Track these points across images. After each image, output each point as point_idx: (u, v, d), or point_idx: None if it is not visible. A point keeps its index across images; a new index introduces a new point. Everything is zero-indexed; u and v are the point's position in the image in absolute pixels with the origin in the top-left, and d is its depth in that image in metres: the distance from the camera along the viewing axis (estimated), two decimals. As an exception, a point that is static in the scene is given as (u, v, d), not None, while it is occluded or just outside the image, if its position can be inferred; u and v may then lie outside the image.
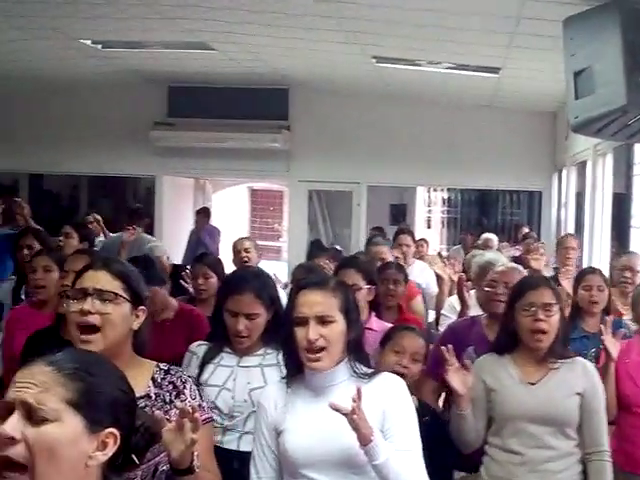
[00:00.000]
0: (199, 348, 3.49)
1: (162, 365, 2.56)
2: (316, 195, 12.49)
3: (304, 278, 3.40)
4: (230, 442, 3.26)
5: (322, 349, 2.62)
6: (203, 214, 11.68)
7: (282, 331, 2.85)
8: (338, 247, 9.39)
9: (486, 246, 8.92)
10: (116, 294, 2.44)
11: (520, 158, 10.57)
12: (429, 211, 16.20)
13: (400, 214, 14.63)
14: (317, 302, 2.66)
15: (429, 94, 10.21)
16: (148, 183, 12.30)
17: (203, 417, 2.42)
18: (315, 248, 8.17)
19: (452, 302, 5.67)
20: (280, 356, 3.40)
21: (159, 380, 2.49)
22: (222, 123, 10.79)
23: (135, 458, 1.72)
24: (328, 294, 2.68)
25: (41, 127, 11.19)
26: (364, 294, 4.29)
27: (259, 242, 7.59)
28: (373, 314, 4.37)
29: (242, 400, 3.29)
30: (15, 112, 11.20)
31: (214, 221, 12.17)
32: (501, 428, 3.41)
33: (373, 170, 10.92)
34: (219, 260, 5.47)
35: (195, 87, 10.77)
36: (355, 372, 2.70)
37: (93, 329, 2.40)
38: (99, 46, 8.54)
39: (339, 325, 2.66)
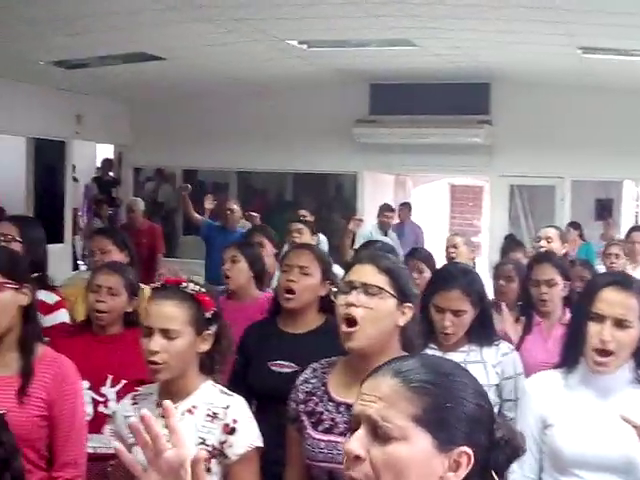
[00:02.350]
0: None
1: None
2: (518, 190, 12.28)
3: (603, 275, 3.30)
4: None
5: (611, 353, 2.53)
6: (405, 209, 11.75)
7: (572, 322, 2.80)
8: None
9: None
10: (381, 288, 2.43)
11: None
12: (638, 206, 15.54)
13: (606, 209, 14.12)
14: (618, 303, 2.55)
15: (637, 84, 9.82)
16: (350, 179, 12.52)
17: None
18: (509, 243, 8.04)
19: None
20: (484, 353, 3.44)
21: None
22: (423, 119, 10.82)
23: (495, 475, 1.57)
24: (632, 297, 2.56)
25: (248, 126, 11.65)
26: (559, 290, 4.22)
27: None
28: (567, 310, 4.27)
29: None
30: (223, 112, 11.73)
31: (415, 216, 12.22)
32: None
33: (577, 164, 10.61)
34: (431, 254, 5.43)
35: (396, 84, 10.85)
36: (637, 379, 2.60)
37: (355, 322, 2.42)
38: (304, 46, 8.79)
39: (635, 331, 2.55)
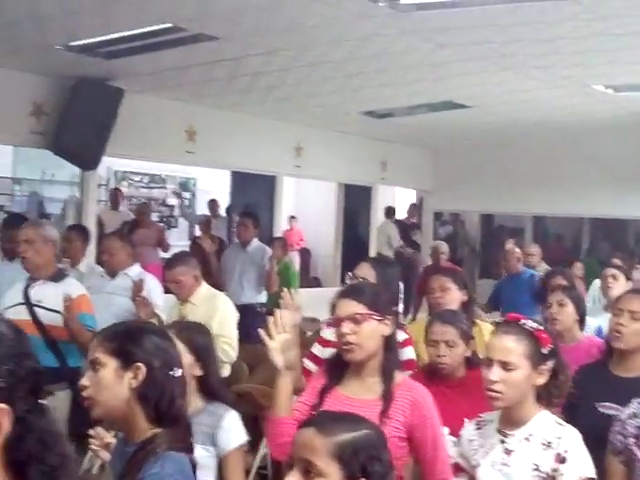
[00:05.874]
0: None
1: None
2: None
3: None
4: None
5: None
6: None
7: None
8: None
9: None
10: None
11: None
12: None
13: None
14: None
15: None
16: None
17: None
18: None
19: None
20: None
21: None
22: None
23: None
24: None
25: (547, 171, 11.70)
26: None
27: None
28: None
29: None
30: (521, 157, 11.89)
31: None
32: None
33: None
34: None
35: None
36: None
37: None
38: (610, 90, 8.79)
39: None
